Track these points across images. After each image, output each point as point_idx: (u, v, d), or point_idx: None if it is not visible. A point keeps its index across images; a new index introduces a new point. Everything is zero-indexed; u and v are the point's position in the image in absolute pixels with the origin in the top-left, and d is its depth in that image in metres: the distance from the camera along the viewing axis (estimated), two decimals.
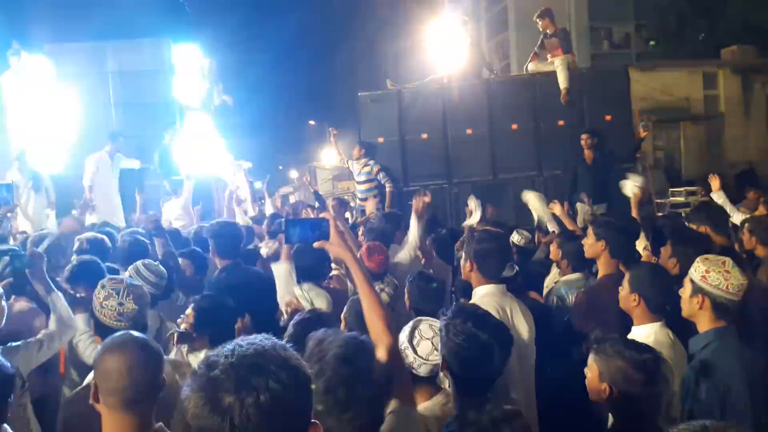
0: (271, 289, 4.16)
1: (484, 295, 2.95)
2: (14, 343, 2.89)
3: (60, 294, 3.14)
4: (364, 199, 7.86)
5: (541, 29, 8.51)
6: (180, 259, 4.51)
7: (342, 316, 3.02)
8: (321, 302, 3.69)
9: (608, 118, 8.05)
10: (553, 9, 8.68)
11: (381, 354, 1.93)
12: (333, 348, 1.68)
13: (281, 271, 3.90)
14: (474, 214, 5.71)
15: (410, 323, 2.51)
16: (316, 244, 2.08)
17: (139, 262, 3.59)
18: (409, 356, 2.37)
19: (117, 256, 4.42)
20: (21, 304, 3.46)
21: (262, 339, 1.20)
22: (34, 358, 2.85)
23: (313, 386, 1.60)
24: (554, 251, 4.62)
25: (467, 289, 3.43)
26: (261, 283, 4.26)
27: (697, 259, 2.75)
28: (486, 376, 2.11)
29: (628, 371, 2.17)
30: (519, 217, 6.89)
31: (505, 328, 2.23)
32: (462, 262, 3.07)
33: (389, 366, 1.90)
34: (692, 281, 2.69)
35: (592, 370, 2.29)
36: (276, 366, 1.13)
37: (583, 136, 7.51)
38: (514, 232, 5.36)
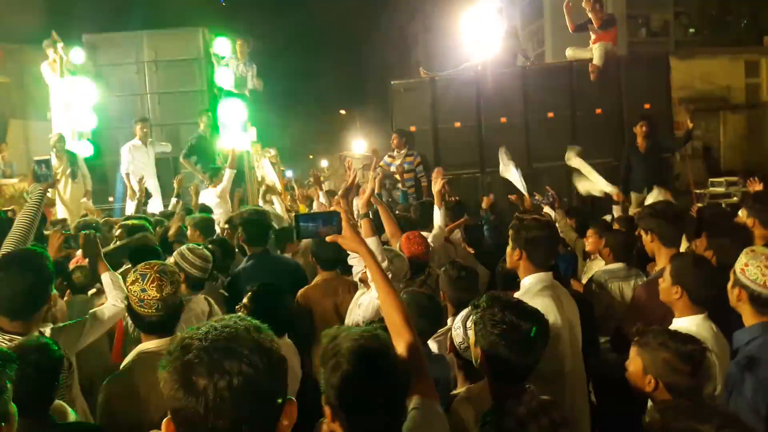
0: (297, 276, 4.27)
1: (536, 284, 2.89)
2: (60, 324, 2.96)
3: (111, 275, 3.22)
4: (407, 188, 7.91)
5: (590, 13, 8.29)
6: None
7: None
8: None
9: (647, 106, 7.86)
10: None
11: (400, 348, 1.89)
12: (348, 342, 1.64)
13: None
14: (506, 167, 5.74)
15: (468, 308, 2.44)
16: (328, 238, 2.05)
17: (183, 247, 3.64)
18: (458, 337, 2.34)
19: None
20: None
21: (236, 321, 1.21)
22: (80, 339, 2.90)
23: (326, 382, 1.60)
24: (595, 242, 4.55)
25: (508, 279, 3.39)
26: (288, 270, 4.36)
27: (745, 250, 2.67)
28: (525, 366, 2.07)
29: (674, 363, 2.15)
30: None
31: (542, 315, 2.18)
32: (509, 250, 2.98)
33: (408, 361, 1.86)
34: (734, 272, 2.62)
35: (635, 363, 2.24)
36: (249, 350, 1.15)
37: (639, 123, 7.35)
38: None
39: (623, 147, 7.73)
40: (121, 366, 2.51)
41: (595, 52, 7.96)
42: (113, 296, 3.12)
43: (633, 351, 2.27)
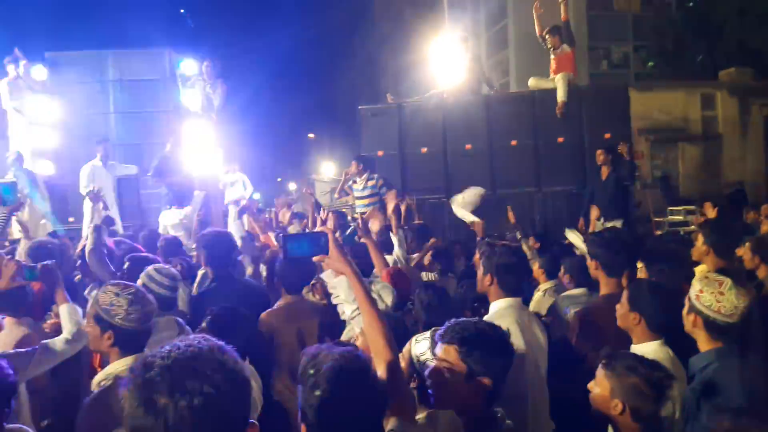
0: (260, 299, 4.18)
1: (504, 309, 2.94)
2: (9, 351, 2.85)
3: (69, 308, 3.09)
4: (365, 213, 7.83)
5: (549, 46, 8.53)
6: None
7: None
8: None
9: (607, 136, 8.05)
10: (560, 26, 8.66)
11: (381, 370, 1.90)
12: (328, 361, 1.64)
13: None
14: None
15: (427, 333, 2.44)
16: (315, 259, 2.07)
17: (150, 267, 3.56)
18: (423, 347, 2.33)
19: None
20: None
21: (200, 340, 1.21)
22: (28, 368, 2.77)
23: (306, 401, 1.59)
24: (537, 270, 4.62)
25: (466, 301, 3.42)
26: (250, 293, 4.28)
27: (698, 276, 2.73)
28: (491, 389, 2.07)
29: (642, 388, 2.17)
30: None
31: (505, 341, 2.18)
32: (480, 275, 3.04)
33: (388, 382, 1.87)
34: (689, 299, 2.67)
35: (601, 386, 2.26)
36: (211, 369, 1.15)
37: (599, 152, 7.52)
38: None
39: (588, 175, 7.87)
40: (97, 386, 2.41)
41: (558, 84, 8.13)
42: (68, 330, 3.00)
43: (600, 374, 2.29)
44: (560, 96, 8.08)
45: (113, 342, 2.41)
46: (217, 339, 1.28)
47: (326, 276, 2.86)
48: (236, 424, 1.18)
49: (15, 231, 7.63)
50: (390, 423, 1.82)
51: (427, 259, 5.21)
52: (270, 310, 3.93)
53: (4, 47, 9.14)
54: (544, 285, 4.56)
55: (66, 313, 3.08)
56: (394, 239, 4.62)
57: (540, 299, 4.48)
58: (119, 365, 2.40)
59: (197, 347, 1.18)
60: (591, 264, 3.56)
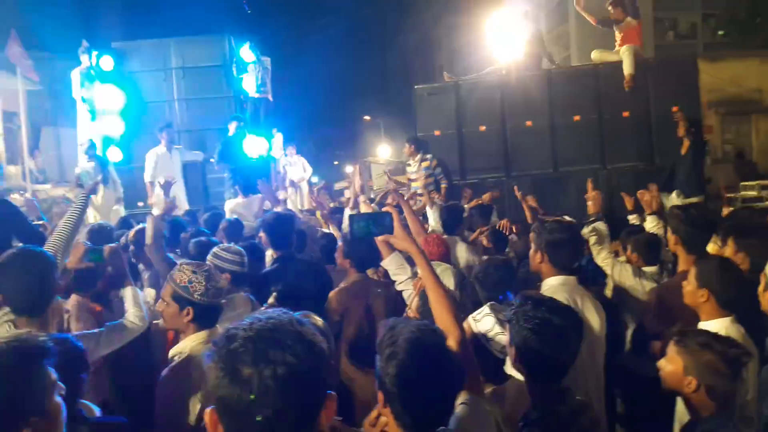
0: (323, 278, 4.24)
1: (555, 286, 2.89)
2: (76, 332, 2.96)
3: (133, 290, 3.19)
4: (421, 195, 7.82)
5: (612, 18, 8.23)
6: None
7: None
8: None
9: (675, 109, 7.72)
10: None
11: (450, 345, 1.91)
12: (405, 333, 1.68)
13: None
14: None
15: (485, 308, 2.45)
16: (380, 238, 2.09)
17: (215, 248, 3.66)
18: (488, 323, 2.33)
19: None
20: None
21: (279, 314, 1.24)
22: (94, 350, 2.82)
23: (385, 370, 1.62)
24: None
25: (529, 281, 3.37)
26: (312, 272, 4.32)
27: None
28: (561, 361, 2.05)
29: (717, 365, 2.11)
30: (581, 211, 6.71)
31: (575, 312, 2.18)
32: (531, 252, 3.00)
33: (459, 357, 1.88)
34: (765, 275, 2.55)
35: (674, 363, 2.21)
36: (292, 340, 1.17)
37: (681, 124, 7.24)
38: (586, 226, 5.28)
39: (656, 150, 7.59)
40: (176, 358, 2.51)
41: (624, 57, 7.84)
42: (132, 313, 3.10)
43: (672, 351, 2.23)
44: (627, 68, 7.77)
45: (192, 317, 2.51)
46: None
47: (386, 263, 2.85)
48: (317, 393, 1.20)
49: (90, 217, 8.02)
50: (461, 396, 1.84)
51: (485, 241, 5.18)
52: (340, 287, 4.00)
53: (72, 39, 9.52)
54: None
55: (130, 296, 3.17)
56: (430, 214, 4.62)
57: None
58: (195, 339, 2.51)
59: (277, 319, 1.21)
60: (671, 239, 3.46)
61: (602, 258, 3.75)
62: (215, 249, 3.65)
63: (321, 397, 1.21)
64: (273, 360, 1.13)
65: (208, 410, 1.19)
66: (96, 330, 2.96)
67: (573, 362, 2.06)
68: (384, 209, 2.10)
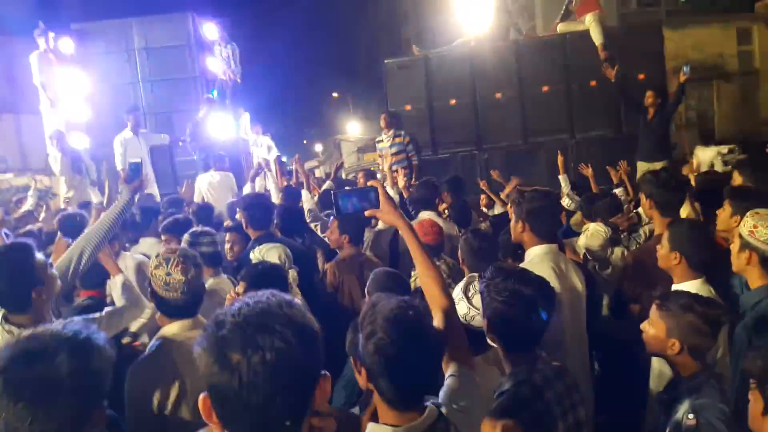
0: (305, 257, 4.27)
1: (539, 255, 2.92)
2: (77, 318, 2.92)
3: (123, 277, 3.16)
4: (395, 171, 7.80)
5: None
6: (228, 235, 4.63)
7: (366, 290, 3.12)
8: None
9: (641, 77, 7.82)
10: None
11: (437, 316, 1.93)
12: (384, 311, 1.67)
13: None
14: None
15: (465, 278, 2.54)
16: (367, 213, 2.08)
17: (189, 231, 3.70)
18: (463, 308, 2.37)
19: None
20: None
21: (268, 297, 1.22)
22: None
23: (365, 347, 1.63)
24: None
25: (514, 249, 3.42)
26: (295, 252, 4.31)
27: (747, 213, 2.69)
28: (533, 331, 2.09)
29: (699, 326, 2.18)
30: (551, 181, 6.80)
31: (546, 282, 2.20)
32: (512, 223, 3.02)
33: (446, 328, 1.90)
34: (740, 236, 2.64)
35: (656, 326, 2.27)
36: (281, 324, 1.16)
37: (649, 93, 7.25)
38: (565, 197, 5.39)
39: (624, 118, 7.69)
40: (146, 351, 2.51)
41: (591, 27, 7.82)
42: (122, 300, 3.08)
43: (654, 314, 2.30)
44: (597, 38, 7.78)
45: (167, 315, 2.51)
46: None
47: None
48: (308, 376, 1.20)
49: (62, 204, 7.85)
50: (450, 368, 1.85)
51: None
52: (336, 259, 4.07)
53: (30, 21, 9.19)
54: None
55: (119, 284, 3.14)
56: (392, 194, 4.64)
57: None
58: (175, 327, 2.48)
59: (266, 303, 1.20)
60: (645, 203, 3.55)
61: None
62: (186, 236, 3.67)
63: (314, 379, 1.21)
64: (262, 346, 1.13)
65: (201, 396, 1.19)
66: (96, 314, 2.93)
67: (544, 330, 2.10)
68: (369, 184, 2.08)
